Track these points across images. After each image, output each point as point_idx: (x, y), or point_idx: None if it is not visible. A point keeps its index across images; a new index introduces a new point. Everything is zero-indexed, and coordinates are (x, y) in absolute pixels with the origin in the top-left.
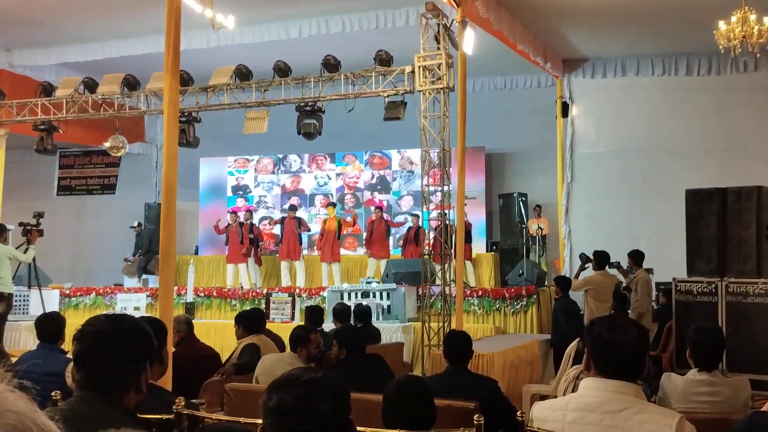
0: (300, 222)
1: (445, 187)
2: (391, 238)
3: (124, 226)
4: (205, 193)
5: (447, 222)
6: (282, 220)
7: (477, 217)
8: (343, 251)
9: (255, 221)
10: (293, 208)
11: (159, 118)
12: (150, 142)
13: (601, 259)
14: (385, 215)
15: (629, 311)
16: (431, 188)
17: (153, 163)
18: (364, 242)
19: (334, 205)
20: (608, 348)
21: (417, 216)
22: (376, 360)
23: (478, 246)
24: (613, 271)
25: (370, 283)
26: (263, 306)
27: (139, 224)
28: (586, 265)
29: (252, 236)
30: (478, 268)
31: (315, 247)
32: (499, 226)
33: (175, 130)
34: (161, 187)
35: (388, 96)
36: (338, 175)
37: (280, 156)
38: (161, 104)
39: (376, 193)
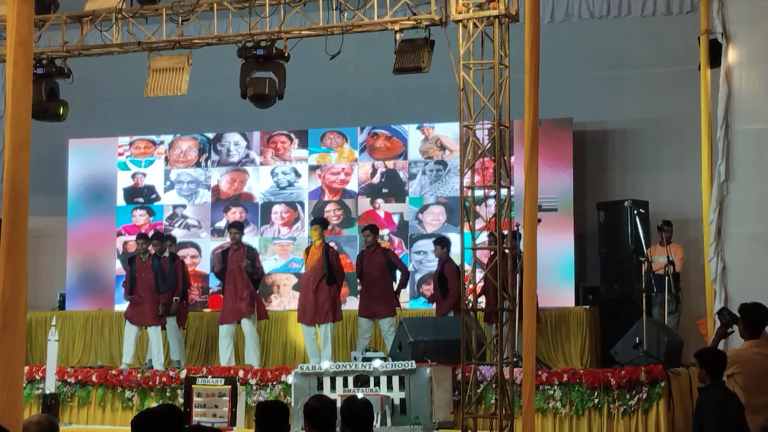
0: (252, 254)
1: (503, 190)
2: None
3: None
4: (78, 200)
5: (505, 250)
6: (224, 254)
7: (560, 243)
8: None
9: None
10: (238, 226)
11: None
12: None
13: (754, 319)
14: (385, 240)
15: None
16: (478, 192)
17: None
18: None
19: (323, 224)
20: None
21: (442, 246)
22: None
23: (563, 294)
24: None
25: (370, 359)
26: (181, 402)
27: None
28: (731, 329)
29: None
30: (562, 331)
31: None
32: (599, 260)
33: (27, 91)
34: (1, 191)
35: (401, 30)
36: (313, 168)
37: (211, 136)
38: (2, 46)
39: (380, 201)
